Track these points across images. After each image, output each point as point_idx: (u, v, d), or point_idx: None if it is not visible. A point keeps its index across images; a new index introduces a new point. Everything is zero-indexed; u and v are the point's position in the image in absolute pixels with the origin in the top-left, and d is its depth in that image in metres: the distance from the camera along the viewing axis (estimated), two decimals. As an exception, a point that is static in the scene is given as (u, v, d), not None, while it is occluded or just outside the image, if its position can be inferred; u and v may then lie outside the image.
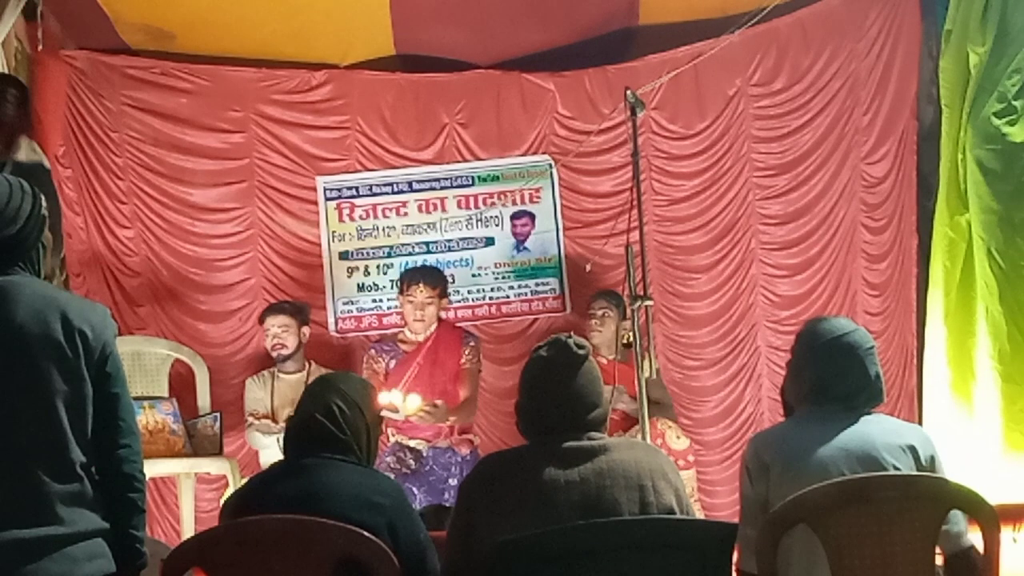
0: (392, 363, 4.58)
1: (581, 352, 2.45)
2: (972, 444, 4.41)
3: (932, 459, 2.57)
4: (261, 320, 4.83)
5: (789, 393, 2.79)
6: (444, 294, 4.65)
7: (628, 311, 4.00)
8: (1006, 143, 4.46)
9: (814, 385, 2.67)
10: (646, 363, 3.86)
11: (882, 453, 2.52)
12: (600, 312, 4.76)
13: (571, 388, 2.41)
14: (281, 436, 2.72)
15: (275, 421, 4.62)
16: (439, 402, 4.30)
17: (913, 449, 2.55)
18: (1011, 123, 4.46)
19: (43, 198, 2.37)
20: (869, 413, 2.65)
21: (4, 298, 2.21)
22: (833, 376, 2.64)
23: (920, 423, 4.73)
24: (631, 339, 4.54)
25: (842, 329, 2.69)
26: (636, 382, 3.84)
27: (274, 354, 4.75)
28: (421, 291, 4.54)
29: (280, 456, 2.81)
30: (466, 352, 4.58)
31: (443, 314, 4.70)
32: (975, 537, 2.45)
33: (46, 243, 2.40)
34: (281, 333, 4.73)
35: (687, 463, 4.46)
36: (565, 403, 2.40)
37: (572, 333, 2.55)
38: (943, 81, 4.78)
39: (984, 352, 4.47)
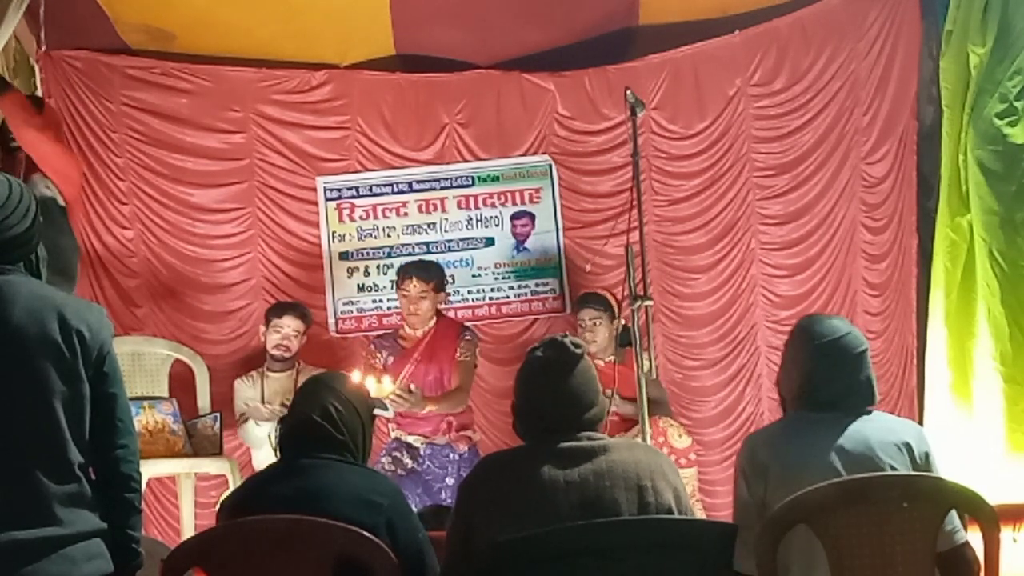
0: (390, 359, 4.57)
1: (577, 351, 2.44)
2: (973, 445, 4.40)
3: (926, 455, 2.58)
4: (271, 316, 4.79)
5: (783, 388, 2.80)
6: (440, 288, 4.62)
7: (626, 310, 3.99)
8: (1007, 144, 4.46)
9: (803, 386, 2.67)
10: (644, 362, 3.85)
11: (877, 452, 2.53)
12: (590, 321, 4.71)
13: (567, 387, 2.41)
14: (274, 427, 2.72)
15: None
16: (413, 387, 4.28)
17: (908, 446, 2.56)
18: (1012, 124, 4.46)
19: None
20: (865, 412, 2.65)
21: (1, 298, 2.21)
22: (822, 379, 2.64)
23: (921, 423, 4.73)
24: (626, 332, 4.54)
25: (835, 332, 2.68)
26: (636, 381, 3.84)
27: (275, 352, 4.73)
28: (414, 285, 4.53)
29: (271, 456, 2.81)
30: (461, 345, 4.57)
31: (443, 310, 4.70)
32: (975, 537, 2.45)
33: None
34: (292, 335, 4.72)
35: (689, 461, 4.45)
36: (561, 402, 2.40)
37: (568, 333, 2.55)
38: (944, 82, 4.77)
39: (985, 353, 4.47)
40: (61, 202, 4.27)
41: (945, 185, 4.75)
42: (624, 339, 4.60)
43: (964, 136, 4.61)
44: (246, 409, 4.63)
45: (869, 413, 2.65)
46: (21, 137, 4.14)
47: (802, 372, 2.68)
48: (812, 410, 2.64)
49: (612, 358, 4.54)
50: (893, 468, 2.50)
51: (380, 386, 4.17)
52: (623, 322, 4.62)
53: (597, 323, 4.69)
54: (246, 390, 4.76)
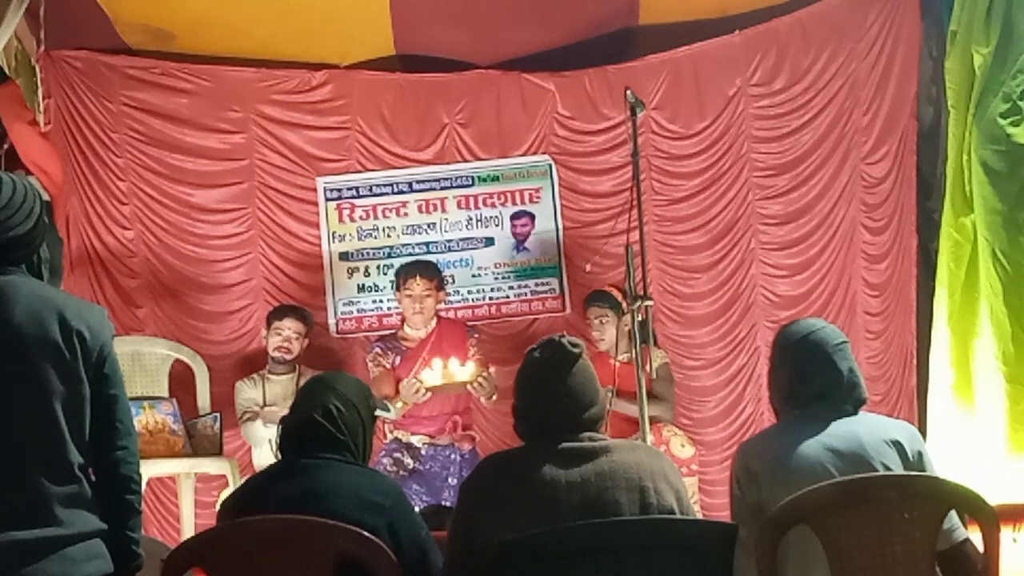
0: (397, 360, 4.57)
1: (575, 351, 2.44)
2: (975, 445, 4.40)
3: (920, 454, 2.57)
4: (271, 319, 4.79)
5: (774, 400, 2.80)
6: (441, 287, 4.66)
7: (626, 308, 3.98)
8: (1011, 144, 4.45)
9: (788, 387, 2.68)
10: (656, 357, 3.80)
11: (868, 451, 2.52)
12: (597, 320, 4.71)
13: (565, 387, 2.41)
14: (275, 433, 2.71)
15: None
16: (492, 370, 4.33)
17: (899, 444, 2.55)
18: (1016, 124, 4.45)
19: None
20: (854, 412, 2.65)
21: (2, 298, 2.20)
22: (804, 375, 2.65)
23: (923, 423, 4.73)
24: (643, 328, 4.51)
25: (808, 328, 2.71)
26: (636, 382, 3.83)
27: (276, 355, 4.73)
28: (418, 284, 4.55)
29: (271, 456, 2.80)
30: (473, 344, 4.60)
31: (442, 312, 4.70)
32: (975, 537, 2.44)
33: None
34: (293, 338, 4.73)
35: (690, 471, 4.42)
36: (560, 402, 2.40)
37: (566, 333, 2.55)
38: (949, 82, 4.77)
39: (987, 353, 4.46)
40: (46, 196, 4.27)
41: (949, 185, 4.75)
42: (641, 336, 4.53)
43: (968, 136, 4.60)
44: (260, 412, 4.63)
45: (856, 413, 2.65)
46: (12, 130, 4.14)
47: (786, 372, 2.69)
48: (801, 408, 2.64)
49: (626, 356, 4.52)
50: (885, 466, 2.50)
51: (463, 369, 4.21)
52: (640, 317, 4.58)
53: (603, 320, 4.69)
54: (248, 390, 4.76)
